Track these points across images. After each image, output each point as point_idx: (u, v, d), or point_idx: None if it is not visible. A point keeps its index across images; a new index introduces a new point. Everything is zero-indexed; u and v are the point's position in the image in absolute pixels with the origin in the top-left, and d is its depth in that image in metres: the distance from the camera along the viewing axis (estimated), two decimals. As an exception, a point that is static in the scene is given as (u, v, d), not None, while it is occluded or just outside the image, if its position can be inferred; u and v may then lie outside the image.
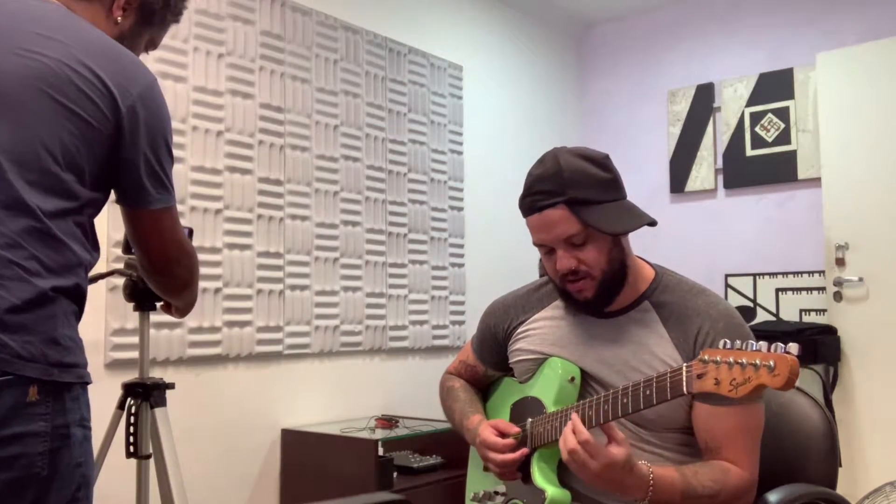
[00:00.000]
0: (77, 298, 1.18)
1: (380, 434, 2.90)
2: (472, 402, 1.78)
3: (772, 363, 1.14)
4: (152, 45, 1.46)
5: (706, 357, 1.23)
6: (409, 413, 3.40)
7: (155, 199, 1.26)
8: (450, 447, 3.12)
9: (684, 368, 1.27)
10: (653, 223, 1.48)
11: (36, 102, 1.15)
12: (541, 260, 3.72)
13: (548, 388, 1.57)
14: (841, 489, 1.61)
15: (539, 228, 1.50)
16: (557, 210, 1.46)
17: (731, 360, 1.19)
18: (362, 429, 3.00)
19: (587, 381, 1.57)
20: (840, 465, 1.64)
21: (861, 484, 3.31)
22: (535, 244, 1.54)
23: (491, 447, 1.58)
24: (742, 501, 1.45)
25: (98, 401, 2.52)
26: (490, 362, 1.79)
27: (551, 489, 1.51)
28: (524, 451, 1.55)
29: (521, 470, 1.58)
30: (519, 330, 1.70)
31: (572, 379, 1.55)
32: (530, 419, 1.58)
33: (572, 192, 1.45)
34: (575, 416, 1.39)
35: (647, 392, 1.32)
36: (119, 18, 1.34)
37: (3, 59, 1.15)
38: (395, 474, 2.87)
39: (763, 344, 1.18)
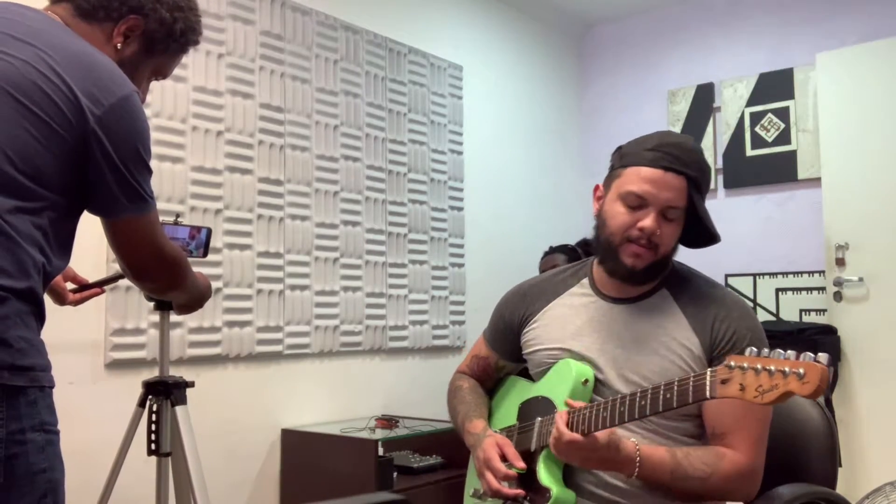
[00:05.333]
0: (32, 300, 1.15)
1: (380, 434, 2.90)
2: (478, 405, 1.77)
3: (801, 371, 1.13)
4: (160, 74, 1.46)
5: (732, 363, 1.22)
6: (409, 413, 3.40)
7: (127, 209, 1.25)
8: (450, 447, 3.12)
9: (708, 373, 1.26)
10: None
11: None
12: (543, 259, 3.70)
13: (560, 389, 1.57)
14: (841, 489, 1.61)
15: (650, 182, 1.50)
16: (680, 178, 1.50)
17: (759, 366, 1.18)
18: (362, 429, 2.99)
19: (600, 366, 1.57)
20: (840, 465, 1.65)
21: (861, 484, 3.31)
22: (630, 192, 1.52)
23: (492, 471, 1.57)
24: (740, 488, 1.47)
25: (98, 400, 2.53)
26: (502, 351, 1.79)
27: (556, 488, 1.51)
28: (520, 492, 1.55)
29: (527, 469, 1.57)
30: (535, 318, 1.71)
31: (585, 381, 1.55)
32: (539, 418, 1.59)
33: (698, 176, 1.53)
34: (559, 419, 1.42)
35: (668, 395, 1.32)
36: (119, 45, 1.33)
37: None
38: (395, 474, 2.87)
39: (791, 353, 1.17)
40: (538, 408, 1.61)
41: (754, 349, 1.22)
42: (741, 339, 1.51)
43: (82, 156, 1.19)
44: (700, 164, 1.53)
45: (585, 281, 1.69)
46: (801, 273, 3.98)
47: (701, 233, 1.58)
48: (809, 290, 3.95)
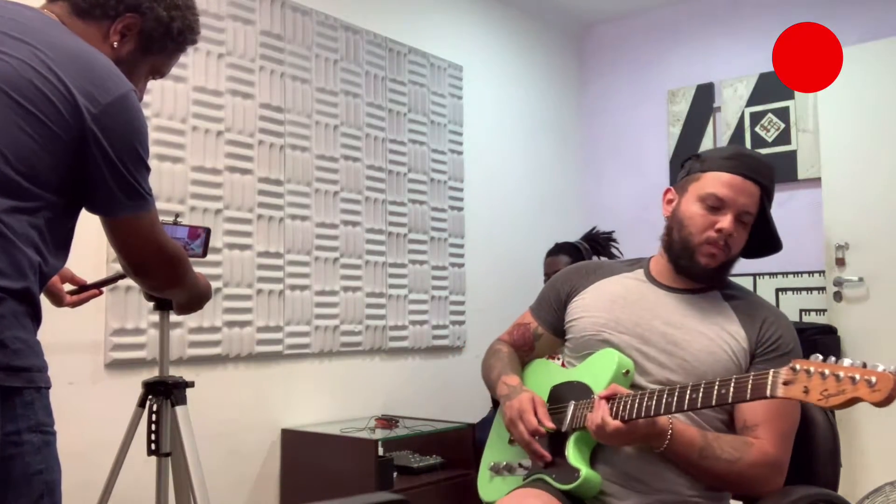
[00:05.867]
0: (28, 301, 1.15)
1: (380, 434, 2.90)
2: (514, 365, 1.83)
3: (873, 379, 1.14)
4: (158, 73, 1.45)
5: (797, 366, 1.23)
6: (409, 413, 3.40)
7: (127, 207, 1.25)
8: (450, 447, 3.12)
9: (771, 374, 1.28)
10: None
11: None
12: (546, 260, 3.69)
13: (600, 377, 1.60)
14: (841, 489, 1.61)
15: (730, 187, 1.62)
16: (755, 187, 1.63)
17: (827, 371, 1.18)
18: (362, 429, 2.99)
19: (646, 339, 1.62)
20: (840, 465, 1.65)
21: (861, 484, 3.31)
22: (710, 194, 1.62)
23: (525, 422, 1.62)
24: (765, 476, 1.50)
25: (98, 400, 2.53)
26: (544, 320, 1.85)
27: (585, 469, 1.54)
28: (546, 455, 1.60)
29: (555, 449, 1.61)
30: (585, 290, 1.77)
31: (626, 372, 1.59)
32: (573, 401, 1.62)
33: (770, 188, 1.67)
34: (604, 407, 1.47)
35: (723, 391, 1.36)
36: (115, 43, 1.33)
37: None
38: (395, 474, 2.87)
39: (859, 362, 1.19)
40: (573, 392, 1.64)
41: (820, 356, 1.23)
42: (785, 345, 1.59)
43: (79, 155, 1.18)
44: (771, 177, 1.67)
45: (640, 271, 1.78)
46: (801, 273, 3.98)
47: (761, 242, 1.70)
48: (809, 290, 3.95)
